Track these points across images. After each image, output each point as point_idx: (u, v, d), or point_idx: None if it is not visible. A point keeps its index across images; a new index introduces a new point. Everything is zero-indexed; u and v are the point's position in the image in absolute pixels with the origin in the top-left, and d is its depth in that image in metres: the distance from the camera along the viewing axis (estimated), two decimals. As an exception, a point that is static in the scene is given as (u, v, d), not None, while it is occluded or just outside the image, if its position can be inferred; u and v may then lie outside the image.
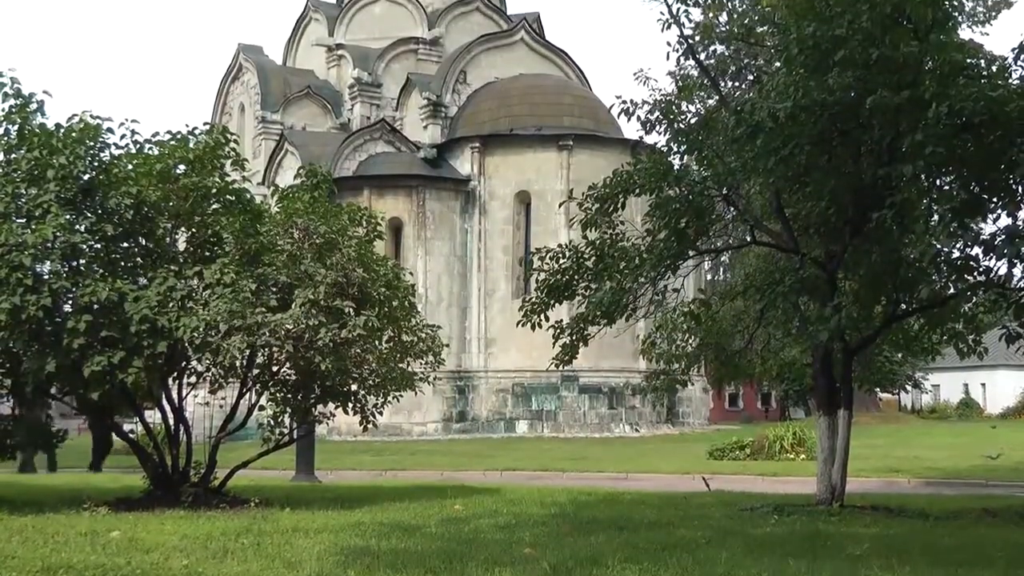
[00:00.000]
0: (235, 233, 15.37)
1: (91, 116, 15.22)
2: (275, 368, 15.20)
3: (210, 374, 14.86)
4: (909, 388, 71.89)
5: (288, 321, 14.01)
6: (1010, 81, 12.30)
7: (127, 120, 15.60)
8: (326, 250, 15.35)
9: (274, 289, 14.77)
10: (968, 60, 12.56)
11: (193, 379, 15.77)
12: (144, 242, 15.64)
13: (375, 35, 51.82)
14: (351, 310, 14.60)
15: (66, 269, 14.32)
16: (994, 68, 12.57)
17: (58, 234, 14.12)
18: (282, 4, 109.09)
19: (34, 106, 15.22)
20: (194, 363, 15.28)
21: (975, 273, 12.57)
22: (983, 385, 78.41)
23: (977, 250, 12.39)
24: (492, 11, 53.97)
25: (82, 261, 14.71)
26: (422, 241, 44.71)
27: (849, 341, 14.50)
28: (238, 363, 14.60)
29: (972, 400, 76.01)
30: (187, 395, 16.22)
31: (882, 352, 21.13)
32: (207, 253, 15.61)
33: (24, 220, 14.49)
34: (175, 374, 15.81)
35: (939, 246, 12.93)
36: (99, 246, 14.98)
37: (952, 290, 13.38)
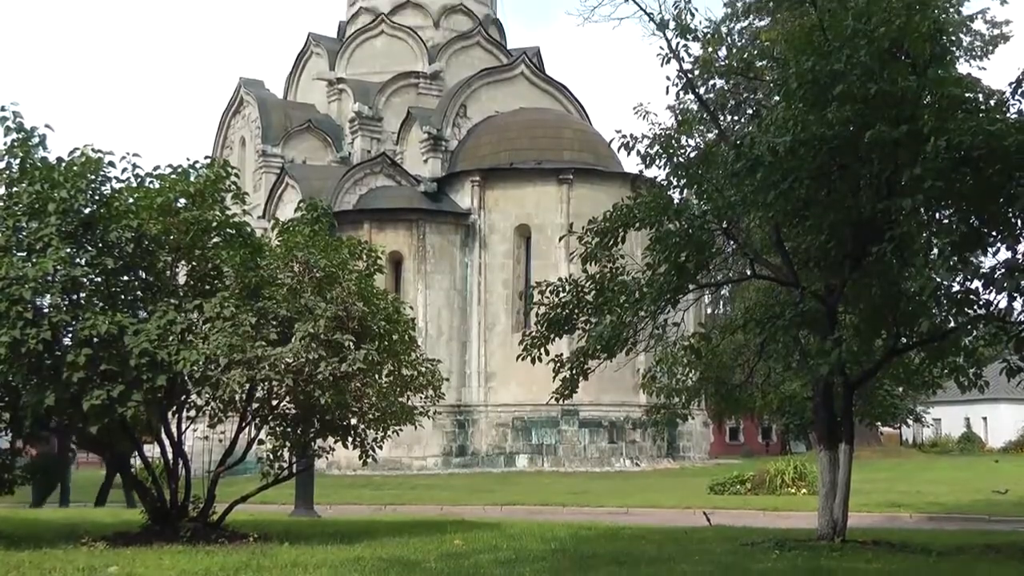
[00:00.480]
0: (235, 267, 15.38)
1: (92, 150, 15.26)
2: (275, 402, 15.17)
3: (209, 408, 14.84)
4: (910, 422, 71.72)
5: (288, 355, 14.00)
6: (1008, 115, 12.35)
7: (128, 154, 15.65)
8: (326, 284, 15.36)
9: (274, 323, 14.76)
10: (966, 94, 12.61)
11: (192, 413, 15.74)
12: (144, 275, 15.64)
13: (376, 69, 52.03)
14: (351, 344, 14.58)
15: (66, 302, 14.32)
16: (992, 102, 12.62)
17: (58, 267, 14.14)
18: (284, 39, 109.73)
19: (36, 140, 15.27)
20: (194, 397, 15.24)
21: (975, 306, 12.56)
22: (984, 419, 78.23)
23: (977, 284, 12.39)
24: (492, 45, 54.20)
25: (82, 294, 14.71)
26: (422, 275, 44.72)
27: (850, 375, 14.48)
28: (238, 397, 14.58)
29: (974, 434, 75.81)
30: (186, 429, 16.18)
31: (883, 386, 21.12)
32: (207, 287, 15.62)
33: (25, 253, 14.51)
34: (174, 408, 15.77)
35: (939, 280, 12.93)
36: (99, 279, 14.99)
37: (952, 324, 13.36)
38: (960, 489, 28.97)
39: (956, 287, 12.85)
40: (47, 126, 15.39)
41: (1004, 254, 12.45)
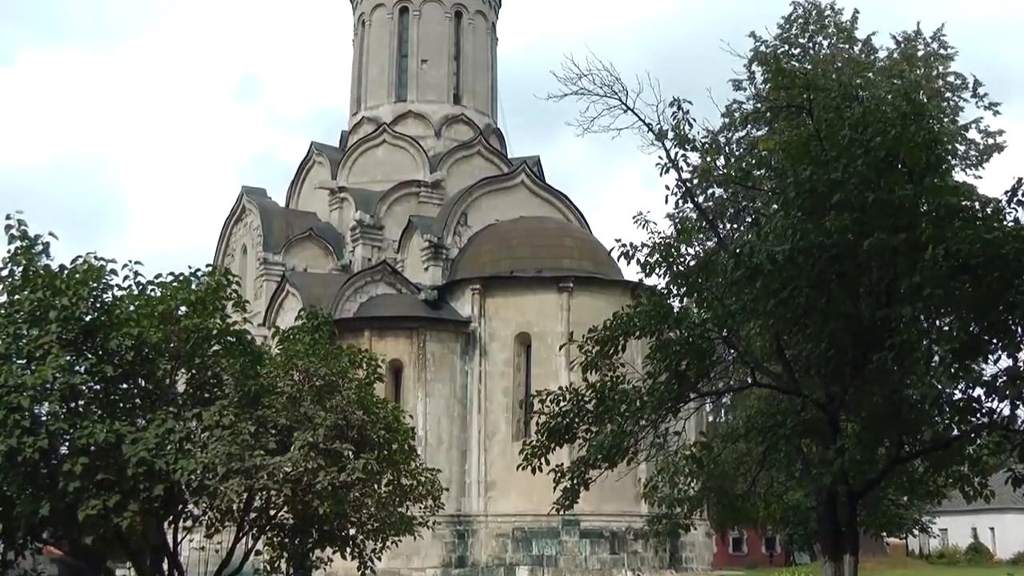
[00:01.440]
0: (235, 375, 15.36)
1: (95, 257, 15.36)
2: (272, 512, 15.03)
3: (207, 518, 14.69)
4: (916, 532, 70.79)
5: (287, 464, 13.91)
6: (1005, 223, 12.42)
7: (130, 262, 15.77)
8: (326, 392, 15.32)
9: (273, 431, 14.69)
10: (963, 202, 12.70)
11: (189, 523, 15.58)
12: (144, 383, 15.62)
13: (377, 178, 52.51)
14: (350, 453, 14.50)
15: (64, 410, 14.27)
16: (989, 210, 12.70)
17: (58, 375, 14.13)
18: (288, 148, 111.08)
19: (39, 247, 15.37)
20: (191, 506, 15.10)
21: (978, 414, 12.50)
22: (992, 529, 77.23)
23: (979, 391, 12.34)
24: (493, 154, 54.80)
25: (81, 402, 14.67)
26: (422, 383, 44.59)
27: (853, 484, 14.33)
28: (235, 506, 14.45)
29: (981, 545, 74.73)
30: (182, 539, 15.99)
31: (887, 495, 20.86)
32: (206, 395, 15.58)
33: (24, 361, 14.50)
34: (171, 518, 15.61)
35: (941, 387, 12.88)
36: (98, 387, 14.97)
37: (956, 432, 13.27)
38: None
39: (958, 395, 12.80)
40: (51, 234, 15.53)
41: (1005, 362, 12.42)
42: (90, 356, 14.99)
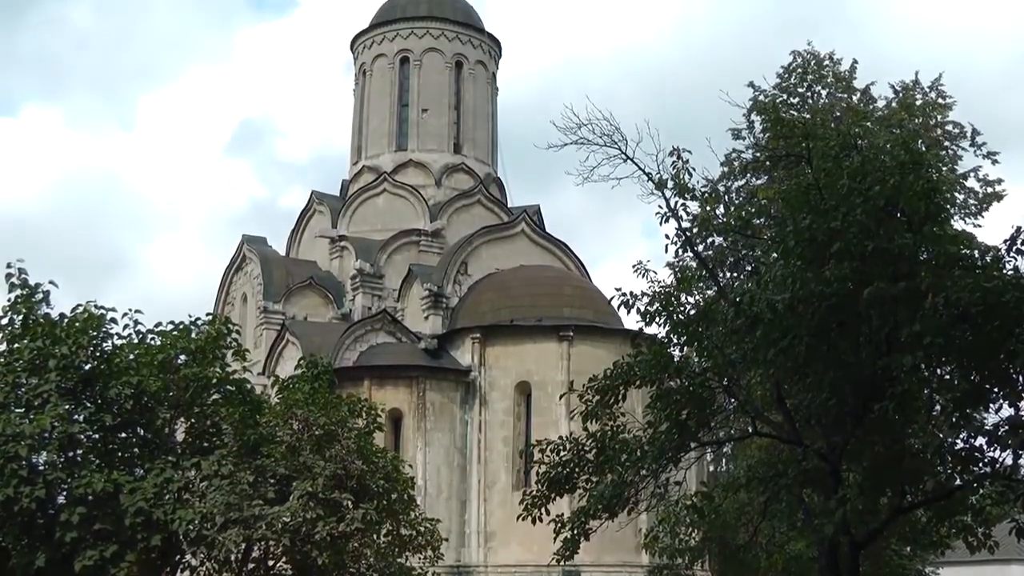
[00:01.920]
0: (234, 424, 15.32)
1: (95, 306, 15.37)
2: (271, 562, 14.93)
3: (205, 568, 14.58)
4: (919, 583, 70.24)
5: (285, 514, 13.84)
6: (1004, 272, 12.42)
7: (130, 310, 15.78)
8: (325, 442, 15.27)
9: (272, 481, 14.63)
10: (963, 251, 12.71)
11: (187, 574, 15.46)
12: (143, 432, 15.58)
13: (377, 227, 52.58)
14: (349, 503, 14.44)
15: (62, 460, 14.22)
16: (988, 259, 12.71)
17: (56, 424, 14.09)
18: (288, 197, 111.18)
19: (40, 296, 15.38)
20: (189, 557, 15.00)
21: (980, 464, 12.43)
22: (995, 580, 76.66)
23: (981, 441, 12.29)
24: (493, 203, 54.92)
25: (79, 451, 14.63)
26: (422, 432, 44.40)
27: (855, 534, 14.23)
28: (233, 557, 14.35)
29: (984, 596, 74.11)
30: (179, 590, 15.87)
31: (890, 545, 20.71)
32: (205, 444, 15.54)
33: (23, 410, 14.47)
34: (168, 568, 15.49)
35: (943, 436, 12.83)
36: (97, 436, 14.94)
37: (958, 481, 13.19)
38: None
39: (960, 444, 12.74)
40: (51, 282, 15.55)
41: (1007, 411, 12.38)
42: (89, 405, 14.96)
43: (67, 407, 14.47)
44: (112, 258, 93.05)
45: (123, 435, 15.54)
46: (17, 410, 14.50)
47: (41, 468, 14.09)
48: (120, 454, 15.24)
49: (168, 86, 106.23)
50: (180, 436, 16.00)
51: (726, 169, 30.81)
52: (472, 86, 55.73)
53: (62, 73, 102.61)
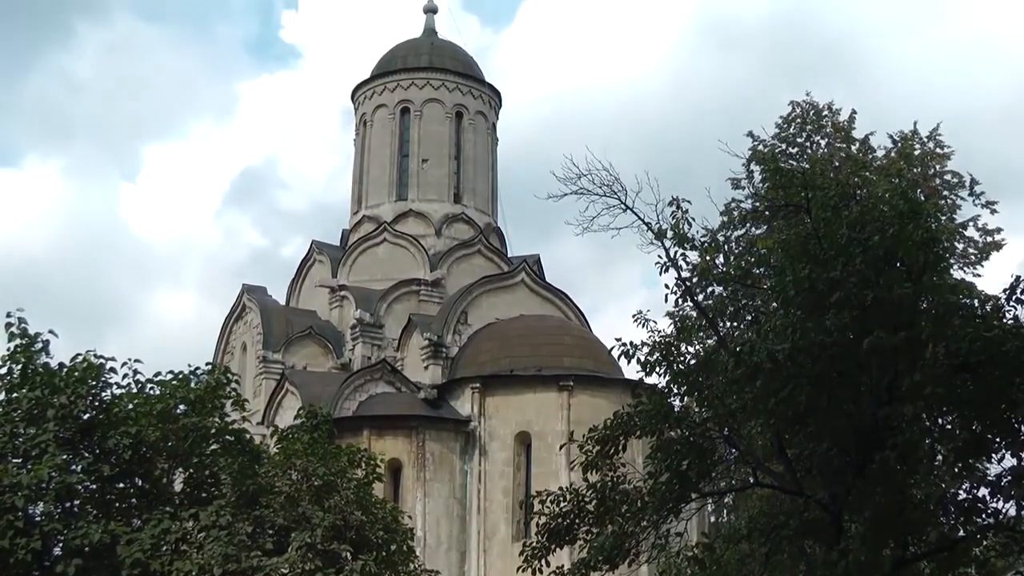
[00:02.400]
0: (233, 474, 15.25)
1: (94, 355, 15.36)
2: (269, 614, 14.78)
3: (201, 621, 14.43)
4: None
5: (284, 565, 13.74)
6: (1005, 321, 12.42)
7: (129, 360, 15.75)
8: (324, 492, 15.20)
9: (271, 531, 14.55)
10: (962, 300, 12.71)
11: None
12: (141, 482, 15.51)
13: (377, 276, 52.62)
14: (348, 554, 14.35)
15: (59, 510, 14.15)
16: (988, 308, 12.71)
17: (54, 474, 14.03)
18: (289, 247, 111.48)
19: (39, 345, 15.37)
20: (185, 609, 14.85)
21: (984, 515, 12.36)
22: (999, 632, 75.94)
23: (984, 491, 12.22)
24: (493, 253, 55.01)
25: (76, 502, 14.55)
26: (421, 483, 44.18)
27: (858, 586, 14.11)
28: (231, 609, 14.21)
29: (989, 648, 73.29)
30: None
31: (893, 598, 20.57)
32: (204, 494, 15.46)
33: (20, 460, 14.40)
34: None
35: (945, 487, 12.76)
36: (95, 486, 14.87)
37: (961, 532, 13.11)
38: None
39: (963, 495, 12.67)
40: (51, 332, 15.54)
41: (1009, 461, 12.32)
42: (87, 455, 14.91)
43: (65, 457, 14.41)
44: (112, 307, 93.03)
45: (121, 485, 15.46)
46: (14, 460, 14.45)
47: (38, 519, 14.01)
48: (118, 504, 15.16)
49: (170, 136, 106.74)
50: (178, 486, 15.92)
51: (725, 219, 30.85)
52: (472, 136, 56.02)
53: (64, 124, 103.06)
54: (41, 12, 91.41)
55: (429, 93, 54.44)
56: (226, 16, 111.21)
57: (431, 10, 55.75)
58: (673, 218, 15.40)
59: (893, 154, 30.70)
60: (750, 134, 30.91)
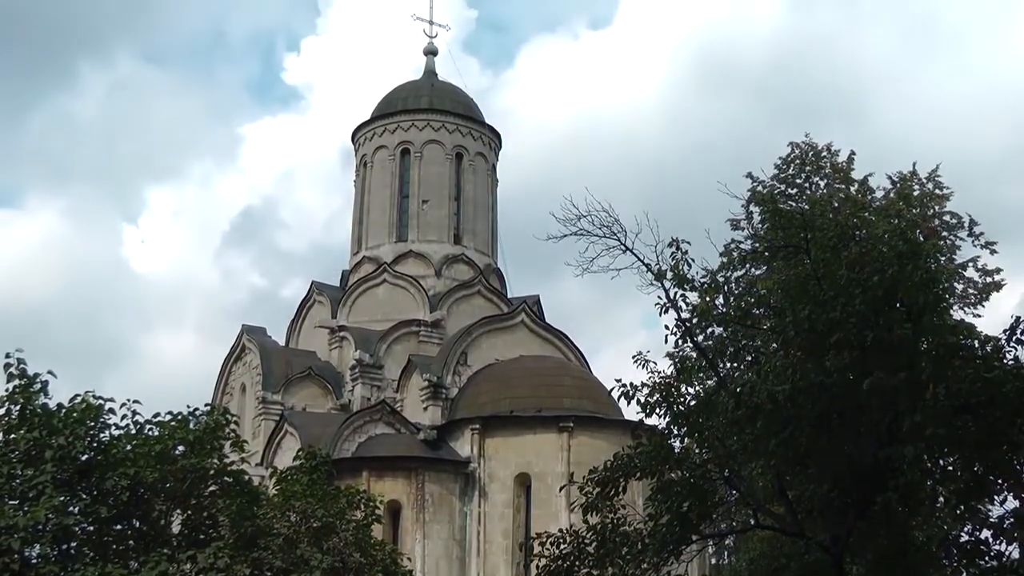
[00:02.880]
0: (231, 516, 15.18)
1: (93, 396, 15.31)
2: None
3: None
4: None
5: (281, 608, 13.63)
6: (1005, 362, 12.40)
7: (128, 400, 15.71)
8: (323, 534, 15.13)
9: (269, 574, 14.45)
10: (962, 341, 12.70)
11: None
12: (138, 524, 15.42)
13: (377, 317, 52.62)
14: (347, 596, 14.22)
15: (56, 552, 14.05)
16: (988, 349, 12.70)
17: (51, 516, 13.94)
18: (289, 288, 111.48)
19: (38, 386, 15.33)
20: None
21: (987, 557, 12.30)
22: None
23: (987, 533, 12.16)
24: (493, 294, 55.03)
25: (73, 544, 14.45)
26: (420, 524, 43.96)
27: (860, 629, 14.02)
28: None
29: None
30: None
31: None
32: (202, 536, 15.37)
33: (17, 501, 14.33)
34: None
35: (947, 529, 12.70)
36: (92, 528, 14.78)
37: (964, 575, 13.03)
38: None
39: (965, 537, 12.61)
40: (50, 372, 15.51)
41: (1012, 503, 12.27)
42: (85, 496, 14.83)
43: (62, 498, 14.33)
44: (112, 347, 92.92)
45: (118, 527, 15.37)
46: (11, 502, 14.36)
47: (34, 561, 13.92)
48: (115, 547, 15.06)
49: (171, 177, 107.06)
50: (176, 528, 15.83)
51: (725, 259, 30.90)
52: (472, 177, 56.19)
53: (66, 164, 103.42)
54: (44, 53, 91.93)
55: (429, 134, 54.65)
56: (228, 58, 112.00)
57: (431, 52, 56.01)
58: (673, 259, 15.43)
59: (892, 195, 30.77)
60: (749, 175, 31.03)
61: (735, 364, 17.71)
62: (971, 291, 30.42)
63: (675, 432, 14.98)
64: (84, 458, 15.01)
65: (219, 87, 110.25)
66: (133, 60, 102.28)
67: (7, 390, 15.44)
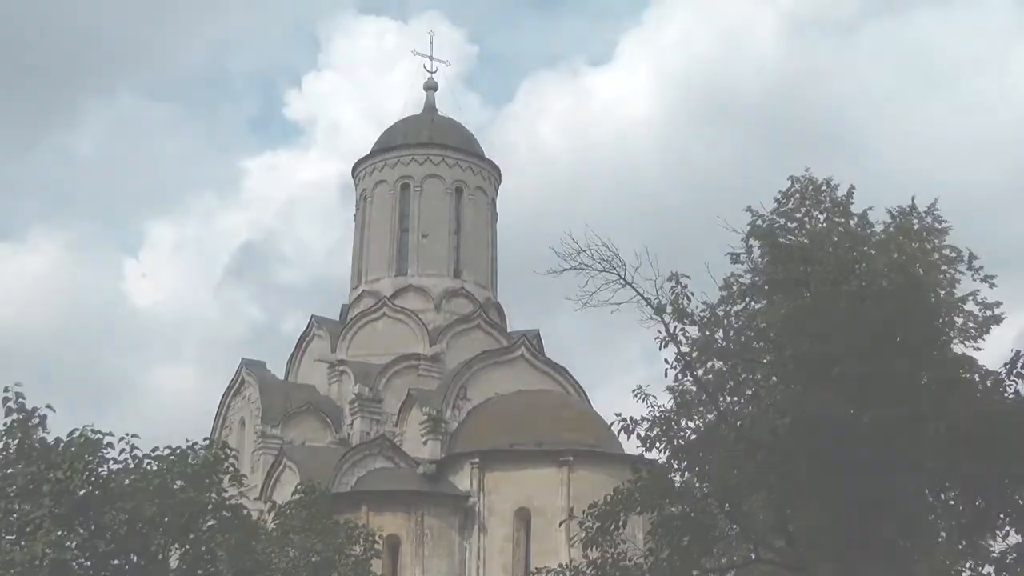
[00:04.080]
0: (230, 550, 15.10)
1: (91, 430, 15.27)
2: None
3: None
4: None
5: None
6: (1005, 395, 12.39)
7: (127, 435, 15.66)
8: (322, 569, 15.07)
9: (267, 609, 14.35)
10: (963, 375, 12.69)
11: None
12: (136, 559, 15.33)
13: (377, 351, 52.55)
14: (345, 632, 14.13)
15: (53, 588, 13.96)
16: (988, 383, 12.69)
17: (48, 551, 13.86)
18: (288, 322, 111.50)
19: (36, 420, 15.29)
20: None
21: (989, 593, 12.23)
22: None
23: (988, 569, 12.11)
24: (492, 328, 54.98)
25: (70, 579, 14.36)
26: (420, 559, 43.74)
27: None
28: None
29: None
30: None
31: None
32: (200, 571, 15.28)
33: (14, 536, 14.26)
34: None
35: (950, 564, 12.64)
36: (89, 563, 14.69)
37: (967, 611, 12.97)
38: None
39: (967, 572, 12.56)
40: (48, 407, 15.46)
41: (1014, 537, 12.22)
42: (82, 531, 14.76)
43: (60, 533, 14.26)
44: (112, 381, 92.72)
45: (116, 562, 15.28)
46: (8, 537, 14.29)
47: (31, 597, 13.83)
48: (112, 582, 14.97)
49: (172, 212, 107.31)
50: (174, 562, 15.74)
51: (725, 293, 30.92)
52: (472, 211, 56.28)
53: (67, 199, 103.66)
54: (46, 89, 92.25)
55: (429, 169, 54.79)
56: (229, 94, 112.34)
57: (432, 87, 56.20)
58: (672, 293, 15.43)
59: (891, 229, 30.78)
60: (749, 209, 31.08)
61: (735, 398, 17.69)
62: (971, 325, 30.38)
63: (675, 466, 14.94)
64: (82, 492, 14.94)
65: (220, 122, 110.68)
66: (135, 96, 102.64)
67: (5, 424, 15.40)
